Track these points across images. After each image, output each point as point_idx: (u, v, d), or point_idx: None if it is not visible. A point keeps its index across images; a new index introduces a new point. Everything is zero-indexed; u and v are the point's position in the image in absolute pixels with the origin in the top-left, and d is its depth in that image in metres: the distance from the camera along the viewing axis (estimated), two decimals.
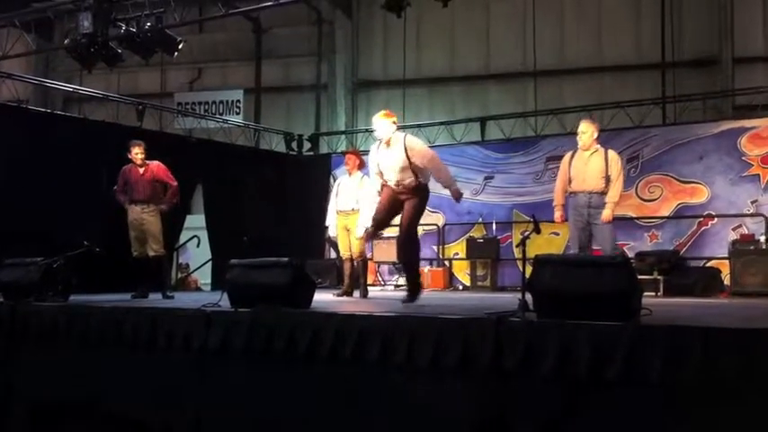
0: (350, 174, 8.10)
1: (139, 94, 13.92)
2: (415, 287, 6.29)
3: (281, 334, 4.55)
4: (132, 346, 5.17)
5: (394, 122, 6.43)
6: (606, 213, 6.53)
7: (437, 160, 6.36)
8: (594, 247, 6.83)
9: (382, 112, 6.54)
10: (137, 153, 7.70)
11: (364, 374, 4.24)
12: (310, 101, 15.52)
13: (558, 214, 6.89)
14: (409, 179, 6.27)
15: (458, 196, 6.36)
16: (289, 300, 4.91)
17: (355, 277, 7.91)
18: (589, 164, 6.68)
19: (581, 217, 6.64)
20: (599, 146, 6.78)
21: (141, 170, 7.71)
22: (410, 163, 6.21)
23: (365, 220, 7.28)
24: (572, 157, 6.83)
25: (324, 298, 6.81)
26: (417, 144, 6.43)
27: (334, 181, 9.00)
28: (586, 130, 6.75)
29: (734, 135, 9.79)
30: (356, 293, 7.82)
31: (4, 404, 5.82)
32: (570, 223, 6.78)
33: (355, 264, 7.91)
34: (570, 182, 6.76)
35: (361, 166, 8.03)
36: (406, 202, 6.31)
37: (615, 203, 6.63)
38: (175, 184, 7.92)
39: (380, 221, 6.52)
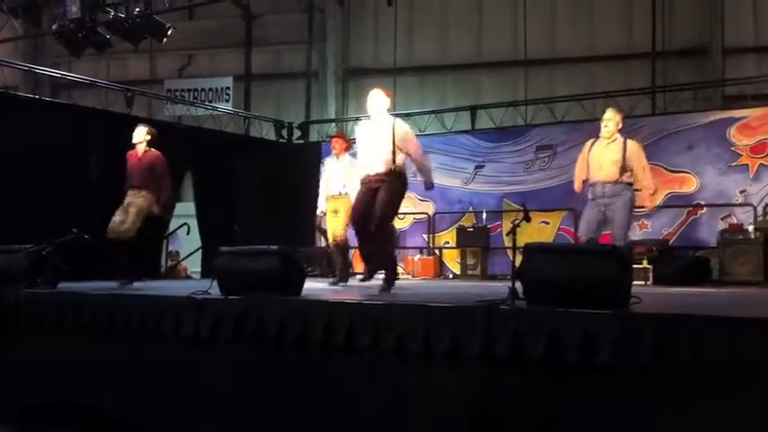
0: (337, 157, 8.04)
1: (129, 80, 13.82)
2: (389, 279, 6.03)
3: (271, 321, 4.55)
4: (121, 334, 5.15)
5: (388, 103, 6.29)
6: (652, 203, 6.55)
7: (419, 149, 6.26)
8: (605, 232, 6.69)
9: (381, 89, 6.37)
10: (134, 136, 7.41)
11: (355, 362, 4.24)
12: (300, 89, 15.45)
13: (577, 184, 6.77)
14: (388, 161, 6.00)
15: (429, 186, 6.31)
16: (279, 287, 4.90)
17: (348, 263, 7.85)
18: (606, 153, 6.48)
19: (597, 207, 6.45)
20: (619, 135, 6.56)
21: (140, 153, 7.41)
22: (394, 145, 6.00)
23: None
24: (592, 145, 6.63)
25: (314, 286, 6.80)
26: (405, 127, 6.26)
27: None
28: (612, 118, 6.53)
29: (723, 125, 9.81)
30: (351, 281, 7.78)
31: None
32: (585, 209, 6.61)
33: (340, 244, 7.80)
34: (588, 170, 6.57)
35: (348, 148, 7.97)
36: (380, 189, 5.96)
37: (652, 193, 6.55)
38: (166, 183, 7.42)
39: (360, 226, 6.07)
